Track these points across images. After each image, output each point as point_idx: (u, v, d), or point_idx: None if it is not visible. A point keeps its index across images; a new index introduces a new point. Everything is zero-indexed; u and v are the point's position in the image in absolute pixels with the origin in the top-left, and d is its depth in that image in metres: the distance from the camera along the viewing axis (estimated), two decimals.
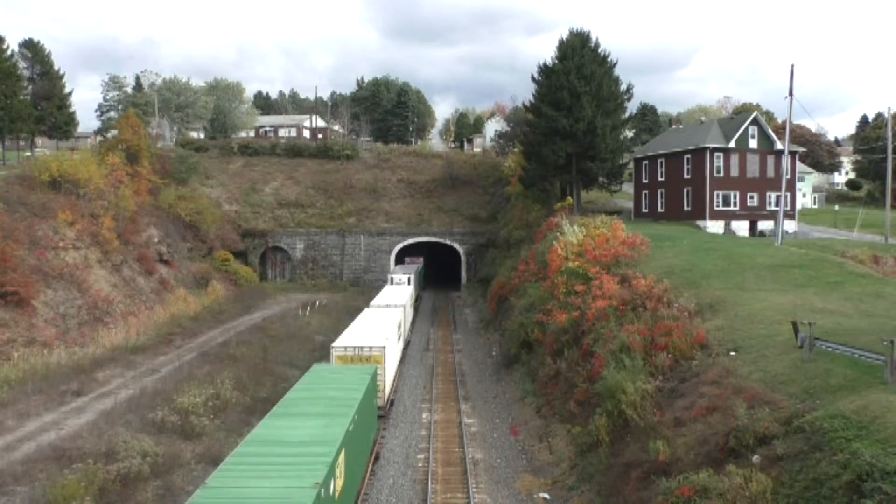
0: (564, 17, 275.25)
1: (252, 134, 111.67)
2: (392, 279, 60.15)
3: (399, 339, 38.72)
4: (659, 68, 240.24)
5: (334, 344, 30.62)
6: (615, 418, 22.76)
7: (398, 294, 48.24)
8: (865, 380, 17.11)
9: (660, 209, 63.39)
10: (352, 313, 45.89)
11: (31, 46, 75.26)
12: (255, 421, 27.83)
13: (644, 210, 65.98)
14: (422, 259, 73.27)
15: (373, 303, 45.29)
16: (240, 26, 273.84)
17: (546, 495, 23.09)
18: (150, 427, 26.25)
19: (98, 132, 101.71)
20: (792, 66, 45.10)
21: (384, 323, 35.82)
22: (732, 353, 21.82)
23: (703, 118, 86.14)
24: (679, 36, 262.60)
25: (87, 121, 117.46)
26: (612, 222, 44.80)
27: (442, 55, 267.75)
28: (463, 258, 77.07)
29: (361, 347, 29.94)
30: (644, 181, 66.26)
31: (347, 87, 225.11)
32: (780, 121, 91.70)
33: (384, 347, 29.91)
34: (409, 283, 57.34)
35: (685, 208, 60.10)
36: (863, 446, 13.89)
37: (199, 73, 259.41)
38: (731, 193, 58.86)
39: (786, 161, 48.15)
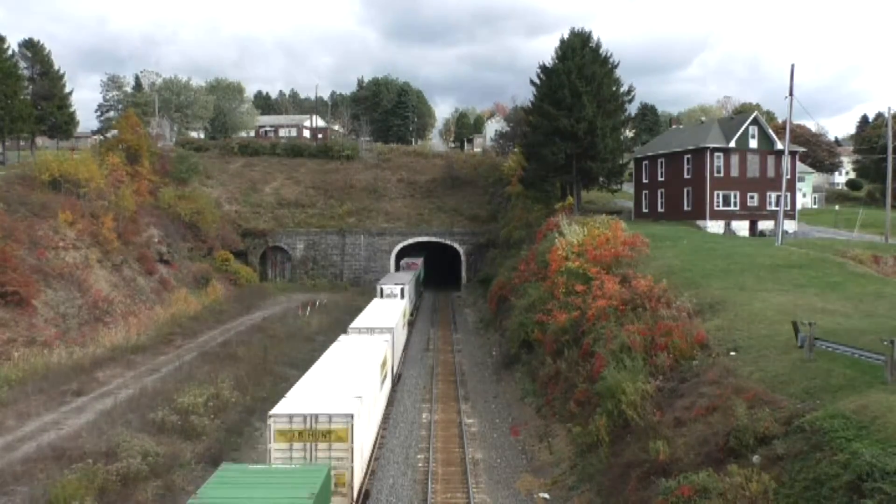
0: (564, 18, 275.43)
1: (252, 134, 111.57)
2: (382, 290, 51.85)
3: (383, 381, 28.71)
4: (660, 68, 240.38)
5: (274, 411, 19.86)
6: (615, 418, 22.77)
7: (387, 312, 40.21)
8: (866, 380, 17.13)
9: (660, 209, 63.38)
10: (352, 313, 45.79)
11: (31, 46, 75.25)
12: (254, 421, 27.86)
13: (644, 210, 65.97)
14: (420, 261, 72.79)
15: (352, 326, 36.22)
16: (240, 26, 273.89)
17: (546, 495, 23.09)
18: (150, 427, 26.27)
19: (98, 132, 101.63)
20: (792, 66, 45.17)
21: (361, 365, 25.76)
22: (733, 353, 21.83)
23: (703, 118, 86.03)
24: (680, 36, 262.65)
25: (87, 121, 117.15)
26: (612, 222, 44.79)
27: (442, 55, 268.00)
28: (463, 258, 77.03)
29: (316, 416, 19.22)
30: (644, 181, 66.25)
31: (348, 87, 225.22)
32: (780, 121, 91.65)
33: (351, 416, 19.32)
34: (402, 296, 49.84)
35: (685, 208, 60.10)
36: (863, 446, 13.90)
37: (200, 73, 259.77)
38: (731, 193, 58.86)
39: (786, 161, 48.16)
